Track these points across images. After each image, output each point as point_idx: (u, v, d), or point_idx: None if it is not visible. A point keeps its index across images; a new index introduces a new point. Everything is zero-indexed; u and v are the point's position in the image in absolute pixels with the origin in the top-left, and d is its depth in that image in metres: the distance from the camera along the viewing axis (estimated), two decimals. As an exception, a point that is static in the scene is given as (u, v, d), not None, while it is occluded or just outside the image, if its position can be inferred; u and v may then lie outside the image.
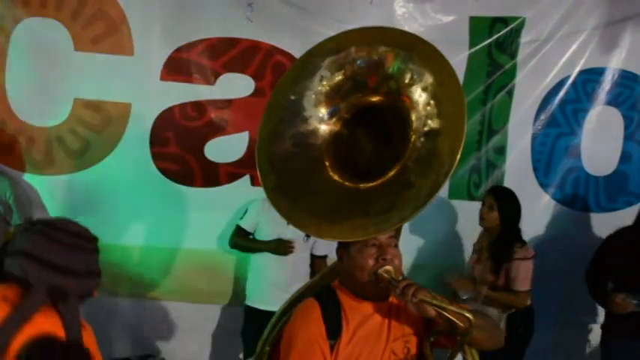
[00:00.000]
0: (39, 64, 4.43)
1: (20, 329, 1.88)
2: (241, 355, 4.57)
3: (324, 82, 2.41)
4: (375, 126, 2.43)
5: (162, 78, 4.50)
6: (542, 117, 4.74)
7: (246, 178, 4.64)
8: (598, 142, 4.80)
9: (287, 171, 2.36)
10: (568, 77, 4.71)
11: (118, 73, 4.46)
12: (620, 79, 4.74)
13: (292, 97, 2.42)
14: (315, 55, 2.45)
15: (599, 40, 4.65)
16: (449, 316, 2.06)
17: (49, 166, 4.48)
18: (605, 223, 4.81)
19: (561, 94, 4.73)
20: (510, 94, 4.70)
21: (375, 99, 2.38)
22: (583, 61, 4.68)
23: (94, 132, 4.51)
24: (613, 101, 4.77)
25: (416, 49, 2.29)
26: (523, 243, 4.22)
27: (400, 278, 2.18)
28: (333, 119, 2.42)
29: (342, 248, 2.31)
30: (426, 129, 2.20)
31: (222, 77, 4.55)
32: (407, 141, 2.22)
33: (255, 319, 4.43)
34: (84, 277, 2.02)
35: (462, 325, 2.06)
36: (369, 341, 2.24)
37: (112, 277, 4.38)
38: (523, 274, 4.14)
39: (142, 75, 4.49)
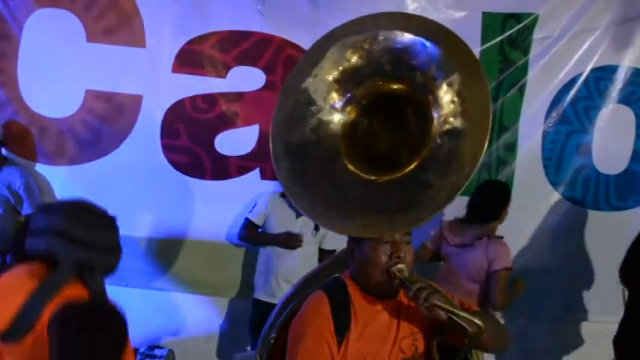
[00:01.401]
0: (51, 55, 4.46)
1: (51, 300, 1.93)
2: (249, 348, 4.57)
3: (344, 65, 2.33)
4: (394, 116, 2.36)
5: (174, 70, 4.52)
6: (554, 114, 4.71)
7: (256, 172, 4.65)
8: (609, 141, 4.76)
9: (302, 158, 2.29)
10: (580, 75, 4.66)
11: (129, 65, 4.49)
12: (632, 77, 4.68)
13: (310, 80, 2.34)
14: (337, 37, 2.35)
15: (612, 38, 4.60)
16: (459, 321, 2.05)
17: (61, 157, 4.51)
18: (615, 222, 4.80)
19: (573, 91, 4.69)
20: (522, 91, 4.67)
21: (396, 87, 2.31)
22: (595, 58, 4.63)
23: (105, 123, 4.55)
24: (625, 99, 4.71)
25: (446, 43, 2.21)
26: None
27: (412, 275, 2.16)
28: (351, 105, 2.35)
29: (354, 242, 2.26)
30: (448, 127, 2.14)
31: (233, 70, 4.56)
32: (427, 136, 2.16)
33: (263, 312, 4.43)
34: (107, 253, 2.11)
35: (471, 330, 2.06)
36: (378, 338, 2.21)
37: (120, 268, 4.39)
38: None
39: (153, 67, 4.52)
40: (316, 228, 4.43)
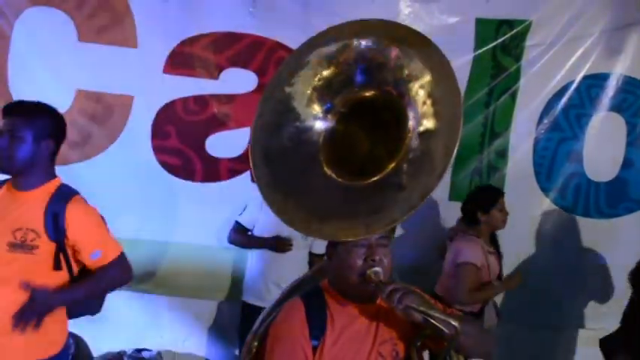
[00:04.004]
0: (42, 54, 4.43)
1: None
2: (237, 352, 4.55)
3: (322, 74, 2.35)
4: (371, 122, 2.37)
5: (166, 71, 4.50)
6: (546, 121, 4.72)
7: (247, 174, 4.62)
8: (600, 148, 4.78)
9: (281, 165, 2.31)
10: (572, 82, 4.68)
11: (121, 65, 4.46)
12: (624, 85, 4.71)
13: (288, 90, 2.36)
14: (314, 45, 2.37)
15: (605, 46, 4.62)
16: (435, 322, 2.04)
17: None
18: (605, 230, 4.82)
19: (565, 98, 4.70)
20: (514, 97, 4.68)
21: (372, 94, 2.33)
22: (588, 66, 4.65)
23: (95, 123, 4.51)
24: (616, 107, 4.74)
25: (415, 45, 2.23)
26: None
27: (389, 280, 2.15)
28: (330, 113, 2.37)
29: (332, 247, 2.27)
30: (421, 129, 2.15)
31: (225, 72, 4.55)
32: (402, 140, 2.18)
33: (252, 315, 4.38)
34: None
35: (448, 331, 2.04)
36: (355, 343, 2.20)
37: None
38: None
39: (145, 67, 4.49)
40: (306, 232, 4.42)
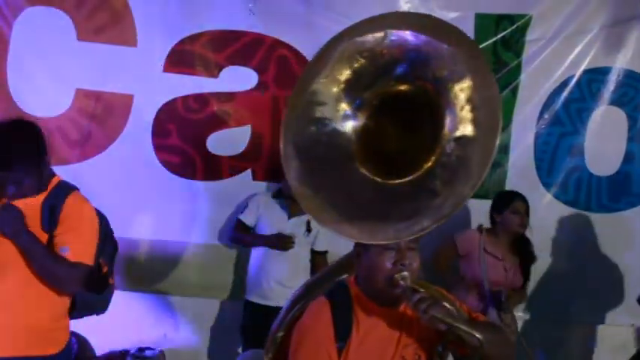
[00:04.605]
0: (41, 53, 4.42)
1: None
2: (240, 350, 4.54)
3: (355, 66, 2.27)
4: (404, 118, 2.31)
5: (165, 69, 4.50)
6: (546, 116, 4.71)
7: (248, 172, 4.63)
8: (601, 142, 4.77)
9: (312, 158, 2.23)
10: (573, 76, 4.67)
11: (120, 64, 4.46)
12: (625, 79, 4.70)
13: (321, 81, 2.29)
14: (348, 37, 2.28)
15: (605, 40, 4.61)
16: (460, 333, 2.05)
17: (50, 157, 4.45)
18: (607, 224, 4.81)
19: (566, 93, 4.69)
20: (514, 92, 4.67)
21: (407, 89, 2.26)
22: (588, 60, 4.65)
23: (95, 123, 4.50)
24: (617, 101, 4.73)
25: (459, 45, 2.13)
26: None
27: (419, 282, 2.14)
28: (363, 106, 2.30)
29: (362, 247, 2.22)
30: (457, 134, 2.08)
31: (225, 70, 4.54)
32: (437, 141, 2.11)
33: (255, 314, 4.42)
34: None
35: (472, 343, 2.05)
36: (380, 346, 2.19)
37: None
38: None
39: (144, 66, 4.49)
40: (308, 229, 4.42)
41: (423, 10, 4.46)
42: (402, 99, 2.27)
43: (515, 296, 4.23)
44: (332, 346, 2.14)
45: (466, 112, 2.08)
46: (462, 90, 2.09)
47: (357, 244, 2.26)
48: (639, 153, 4.78)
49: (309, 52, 4.54)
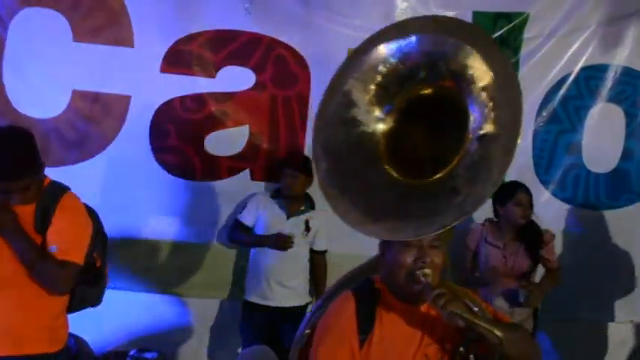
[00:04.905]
0: (37, 54, 4.39)
1: None
2: (240, 350, 4.54)
3: (384, 70, 2.35)
4: (431, 120, 2.37)
5: (163, 70, 4.47)
6: (544, 113, 4.73)
7: (246, 172, 4.62)
8: (599, 139, 4.78)
9: (340, 159, 2.33)
10: (570, 74, 4.69)
11: (117, 65, 4.43)
12: (622, 77, 4.72)
13: (350, 84, 2.37)
14: (377, 41, 2.36)
15: (602, 37, 4.63)
16: (480, 330, 2.06)
17: (46, 158, 4.33)
18: (605, 221, 4.83)
19: (563, 90, 4.71)
20: (512, 90, 4.67)
21: (433, 91, 2.32)
22: (585, 57, 4.66)
23: (92, 124, 4.48)
24: (615, 98, 4.75)
25: (480, 45, 2.20)
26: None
27: (443, 281, 2.18)
28: (391, 109, 2.37)
29: (385, 244, 2.29)
30: (480, 132, 2.12)
31: (222, 70, 4.52)
32: (461, 142, 2.16)
33: (254, 313, 4.42)
34: None
35: (492, 341, 2.06)
36: (402, 343, 2.22)
37: (110, 270, 4.35)
38: (554, 252, 4.43)
39: (141, 67, 4.46)
40: (307, 229, 4.41)
41: (420, 9, 4.51)
42: (427, 101, 2.34)
43: (536, 292, 4.23)
44: (354, 337, 2.19)
45: (489, 112, 2.12)
46: (484, 90, 2.14)
47: (381, 243, 2.31)
48: (637, 150, 4.81)
49: (306, 51, 4.55)
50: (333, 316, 2.28)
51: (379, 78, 2.36)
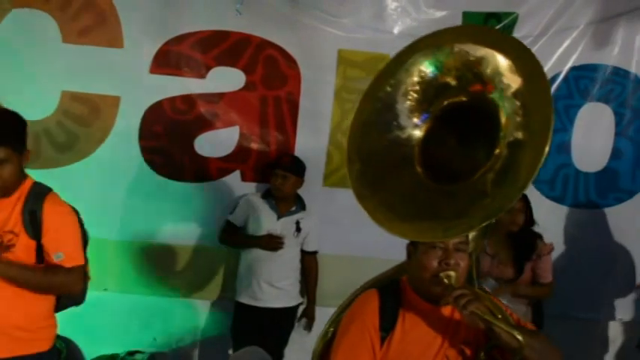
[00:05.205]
0: (26, 56, 4.38)
1: None
2: (230, 351, 4.53)
3: (421, 77, 2.42)
4: (464, 127, 2.43)
5: (152, 71, 4.46)
6: (534, 113, 4.73)
7: (237, 173, 4.61)
8: (589, 139, 4.80)
9: (373, 161, 2.40)
10: (560, 73, 4.69)
11: (106, 66, 4.41)
12: (611, 76, 4.74)
13: (388, 89, 2.45)
14: (415, 50, 2.45)
15: (592, 37, 4.64)
16: (500, 332, 2.09)
17: (36, 160, 4.37)
18: (595, 220, 4.84)
19: (553, 90, 4.68)
20: (502, 89, 4.68)
21: (467, 99, 2.38)
22: (575, 57, 4.67)
23: (81, 125, 4.46)
24: (604, 98, 4.76)
25: (515, 54, 2.25)
26: (541, 237, 4.31)
27: (466, 285, 2.22)
28: (426, 115, 2.44)
29: (412, 246, 2.33)
30: (511, 139, 2.17)
31: (212, 71, 4.51)
32: (493, 148, 2.21)
33: (245, 315, 4.41)
34: None
35: (512, 344, 2.09)
36: (423, 343, 2.26)
37: (100, 272, 4.34)
38: (549, 266, 4.32)
39: (131, 68, 4.45)
40: (297, 229, 4.41)
41: (411, 10, 4.52)
42: (461, 108, 2.40)
43: (506, 288, 4.21)
44: (376, 333, 2.25)
45: (520, 118, 2.18)
46: (517, 97, 2.20)
47: (408, 245, 2.36)
48: (626, 149, 4.82)
49: (297, 52, 4.55)
50: (357, 312, 2.33)
51: (416, 86, 2.43)
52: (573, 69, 4.70)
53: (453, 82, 2.38)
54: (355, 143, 2.45)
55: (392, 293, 2.33)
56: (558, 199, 4.85)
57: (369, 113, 2.46)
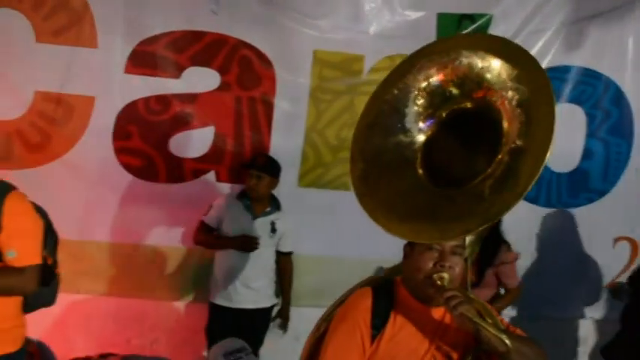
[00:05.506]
0: (-1, 55, 4.33)
1: None
2: (205, 353, 4.52)
3: (428, 82, 2.45)
4: (468, 133, 2.46)
5: (127, 71, 4.42)
6: (508, 114, 4.76)
7: (212, 174, 4.60)
8: (561, 139, 4.74)
9: (376, 162, 2.43)
10: (532, 75, 4.73)
11: (81, 66, 4.37)
12: (583, 77, 4.79)
13: (395, 92, 2.48)
14: (424, 55, 2.48)
15: (564, 39, 4.69)
16: (488, 335, 2.11)
17: (8, 161, 4.37)
18: (566, 220, 4.89)
19: (526, 91, 4.74)
20: (476, 90, 4.72)
21: (473, 106, 2.41)
22: (548, 59, 4.72)
23: (55, 125, 4.41)
24: (576, 99, 4.81)
25: (523, 65, 2.29)
26: (508, 245, 4.29)
27: (459, 288, 2.25)
28: (432, 120, 2.47)
29: (409, 246, 2.37)
30: (513, 146, 2.20)
31: (187, 71, 4.49)
32: (494, 155, 2.24)
33: (220, 316, 4.41)
34: None
35: (500, 348, 2.11)
36: (413, 342, 2.29)
37: (74, 274, 4.32)
38: (513, 273, 4.34)
39: (105, 68, 4.41)
40: (273, 230, 4.41)
41: (386, 11, 4.53)
42: (466, 115, 2.44)
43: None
44: (367, 331, 2.29)
45: (523, 126, 2.20)
46: (522, 106, 2.22)
47: (405, 245, 2.40)
48: (597, 149, 4.89)
49: (272, 52, 4.54)
50: (350, 309, 2.37)
51: (423, 91, 2.46)
52: (546, 70, 4.72)
53: (459, 88, 2.42)
54: (359, 143, 2.48)
55: (385, 292, 2.37)
56: (532, 200, 4.90)
57: (375, 115, 2.50)
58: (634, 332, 4.02)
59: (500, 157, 2.22)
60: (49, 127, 4.40)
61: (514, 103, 2.25)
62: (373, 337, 2.28)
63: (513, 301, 4.44)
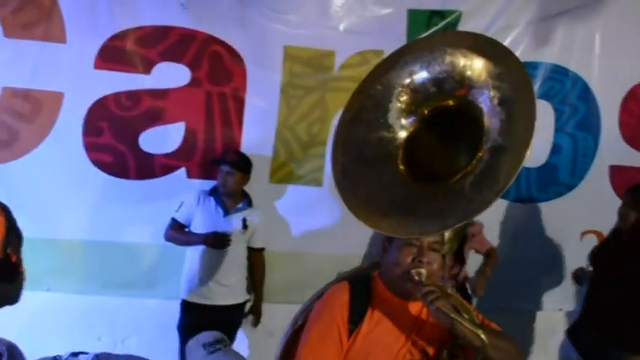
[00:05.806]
0: (-34, 51, 4.27)
1: None
2: (178, 350, 4.50)
3: (412, 78, 2.46)
4: (450, 130, 2.48)
5: (97, 66, 4.39)
6: (477, 109, 4.80)
7: (182, 170, 4.58)
8: (531, 135, 4.87)
9: (357, 157, 2.45)
10: (502, 71, 4.77)
11: (49, 61, 4.33)
12: (551, 74, 4.83)
13: (379, 87, 2.50)
14: (408, 52, 2.50)
15: (533, 35, 4.73)
16: (464, 330, 2.13)
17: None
18: (536, 214, 4.95)
19: (496, 87, 4.78)
20: (446, 86, 4.75)
21: (455, 103, 2.42)
22: (517, 55, 4.73)
23: (23, 122, 4.37)
24: (545, 95, 4.85)
25: (504, 63, 2.30)
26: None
27: (437, 284, 2.26)
28: (414, 116, 2.48)
29: (388, 241, 2.39)
30: (493, 144, 2.22)
31: (157, 66, 4.47)
32: (475, 152, 2.25)
33: (192, 312, 4.39)
34: None
35: (475, 343, 2.13)
36: (389, 336, 2.30)
37: (44, 272, 4.28)
38: (484, 239, 4.56)
39: (75, 63, 4.37)
40: (244, 226, 4.40)
41: (356, 7, 4.54)
42: (448, 112, 2.46)
43: (480, 281, 4.32)
44: (344, 326, 2.29)
45: (503, 124, 2.22)
46: (503, 105, 2.24)
47: (384, 240, 2.42)
48: (566, 144, 4.94)
49: (242, 48, 4.53)
50: (327, 303, 2.37)
51: (407, 88, 2.48)
52: (516, 66, 4.78)
53: (442, 86, 2.44)
54: (341, 138, 2.50)
55: (363, 287, 2.39)
56: (502, 194, 4.93)
57: (358, 109, 2.51)
58: (597, 312, 4.09)
59: (480, 154, 2.24)
60: (17, 123, 4.36)
61: (495, 101, 2.27)
62: (350, 332, 2.29)
63: (496, 263, 4.51)
